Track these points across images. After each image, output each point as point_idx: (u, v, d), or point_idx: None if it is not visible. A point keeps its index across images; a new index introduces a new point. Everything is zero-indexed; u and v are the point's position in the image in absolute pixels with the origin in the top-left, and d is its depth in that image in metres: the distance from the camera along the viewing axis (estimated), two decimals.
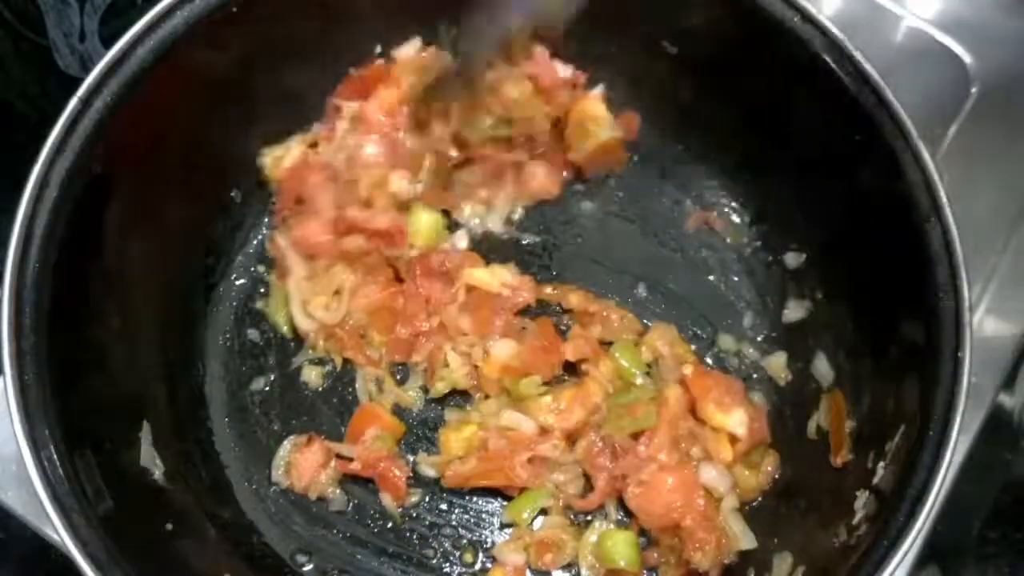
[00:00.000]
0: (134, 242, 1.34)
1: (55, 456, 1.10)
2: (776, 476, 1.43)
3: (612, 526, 1.40)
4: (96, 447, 1.19)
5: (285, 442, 1.46)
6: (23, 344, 1.13)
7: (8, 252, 1.14)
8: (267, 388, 1.50)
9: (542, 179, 1.60)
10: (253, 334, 1.54)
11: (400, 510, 1.43)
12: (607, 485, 1.38)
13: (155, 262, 1.42)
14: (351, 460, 1.42)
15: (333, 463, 1.44)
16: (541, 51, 1.58)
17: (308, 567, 1.41)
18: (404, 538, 1.42)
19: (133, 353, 1.36)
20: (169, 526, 1.27)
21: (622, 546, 1.35)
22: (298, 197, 1.54)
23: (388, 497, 1.42)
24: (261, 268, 1.58)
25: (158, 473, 1.31)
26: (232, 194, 1.58)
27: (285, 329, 1.53)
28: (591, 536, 1.38)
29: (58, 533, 1.07)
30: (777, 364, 1.51)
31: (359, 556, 1.42)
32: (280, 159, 1.57)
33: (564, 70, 1.59)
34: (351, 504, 1.44)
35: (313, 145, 1.57)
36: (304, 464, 1.44)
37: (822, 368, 1.44)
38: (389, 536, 1.42)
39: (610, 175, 1.64)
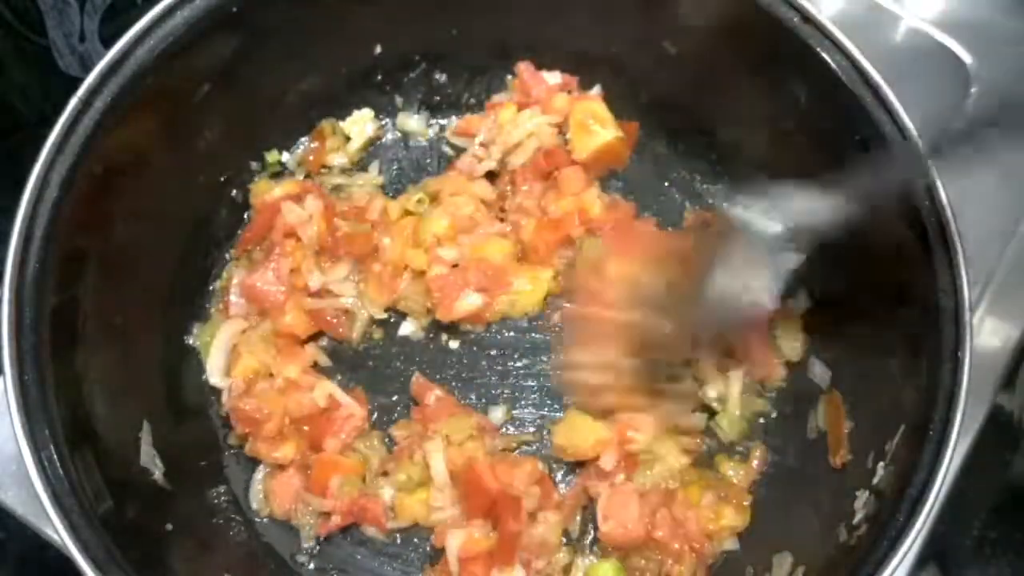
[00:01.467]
0: (134, 242, 1.34)
1: (55, 456, 1.10)
2: (764, 468, 1.44)
3: (593, 560, 1.39)
4: (96, 447, 1.19)
5: (256, 471, 1.44)
6: (23, 344, 1.13)
7: (8, 252, 1.14)
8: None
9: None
10: None
11: (386, 535, 1.42)
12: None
13: (155, 262, 1.42)
14: (328, 515, 1.39)
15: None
16: (526, 65, 1.59)
17: (308, 567, 1.41)
18: (404, 538, 1.42)
19: (133, 352, 1.35)
20: (169, 526, 1.27)
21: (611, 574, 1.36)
22: (265, 235, 1.52)
23: (372, 529, 1.41)
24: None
25: (158, 473, 1.31)
26: (233, 194, 1.58)
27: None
28: (577, 575, 1.38)
29: (58, 533, 1.07)
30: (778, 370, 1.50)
31: (359, 556, 1.42)
32: (267, 190, 1.56)
33: (552, 77, 1.59)
34: None
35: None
36: (281, 492, 1.42)
37: (818, 370, 1.44)
38: (389, 536, 1.42)
39: (611, 175, 1.64)
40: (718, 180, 1.61)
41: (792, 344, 1.48)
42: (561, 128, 1.59)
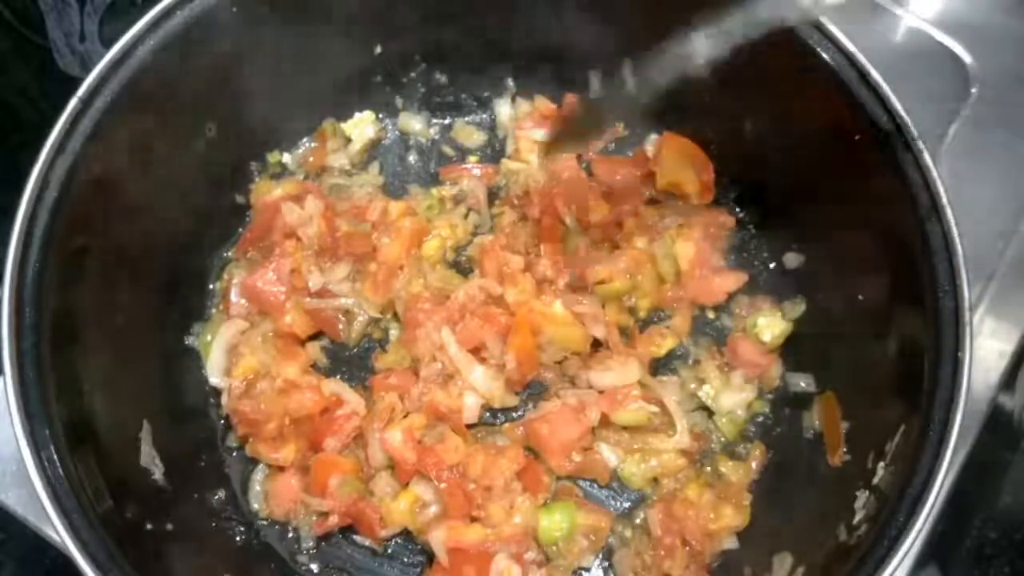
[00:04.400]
0: (133, 242, 1.34)
1: (55, 456, 1.10)
2: (763, 468, 1.44)
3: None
4: (96, 447, 1.19)
5: (256, 471, 1.45)
6: (23, 344, 1.13)
7: (8, 252, 1.14)
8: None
9: None
10: None
11: (380, 544, 1.41)
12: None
13: (155, 262, 1.42)
14: (326, 515, 1.39)
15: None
16: (572, 99, 1.63)
17: (308, 567, 1.41)
18: (404, 538, 1.42)
19: (133, 352, 1.36)
20: (169, 526, 1.27)
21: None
22: (265, 235, 1.52)
23: (365, 537, 1.41)
24: None
25: (158, 473, 1.31)
26: (233, 194, 1.58)
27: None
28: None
29: (58, 533, 1.07)
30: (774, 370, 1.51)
31: (358, 556, 1.41)
32: (268, 191, 1.57)
33: None
34: None
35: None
36: (281, 493, 1.41)
37: (801, 381, 1.46)
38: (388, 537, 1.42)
39: None
40: (717, 180, 1.61)
41: (773, 331, 1.49)
42: None
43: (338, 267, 1.52)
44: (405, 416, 1.41)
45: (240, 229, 1.59)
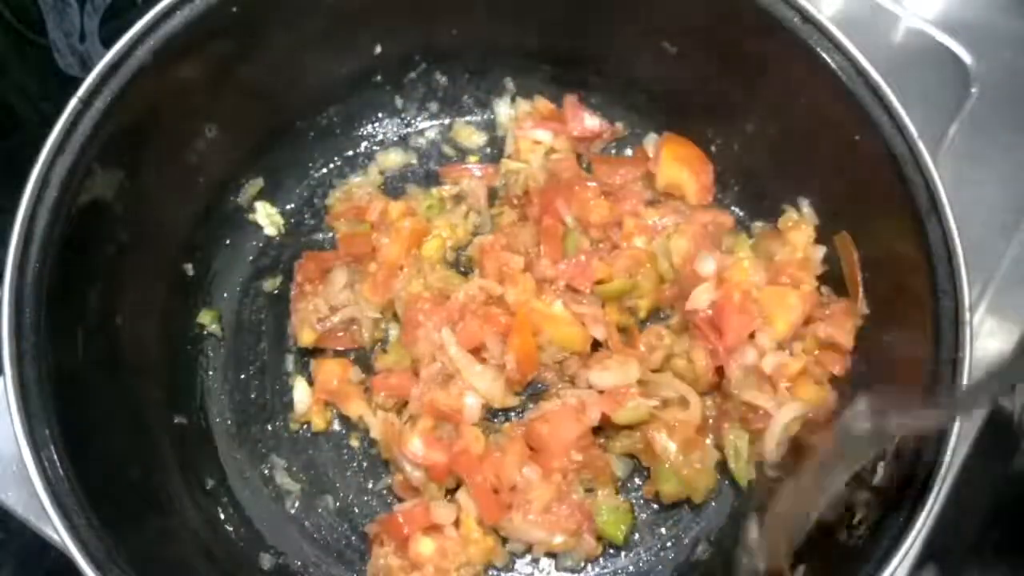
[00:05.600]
0: (133, 242, 1.34)
1: (55, 456, 1.10)
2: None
3: None
4: (96, 447, 1.19)
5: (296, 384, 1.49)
6: (23, 344, 1.13)
7: (8, 252, 1.15)
8: (269, 397, 1.51)
9: None
10: (250, 339, 1.54)
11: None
12: None
13: (156, 261, 1.42)
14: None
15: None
16: (572, 99, 1.62)
17: (309, 570, 1.41)
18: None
19: (133, 352, 1.35)
20: (169, 527, 1.27)
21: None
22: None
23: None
24: (260, 262, 1.59)
25: (159, 473, 1.31)
26: (241, 200, 1.58)
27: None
28: None
29: (58, 533, 1.07)
30: None
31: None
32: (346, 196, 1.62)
33: (592, 120, 1.61)
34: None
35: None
36: (326, 375, 1.46)
37: None
38: None
39: None
40: (717, 179, 1.61)
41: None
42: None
43: (335, 277, 1.52)
44: (406, 421, 1.41)
45: (240, 230, 1.59)
